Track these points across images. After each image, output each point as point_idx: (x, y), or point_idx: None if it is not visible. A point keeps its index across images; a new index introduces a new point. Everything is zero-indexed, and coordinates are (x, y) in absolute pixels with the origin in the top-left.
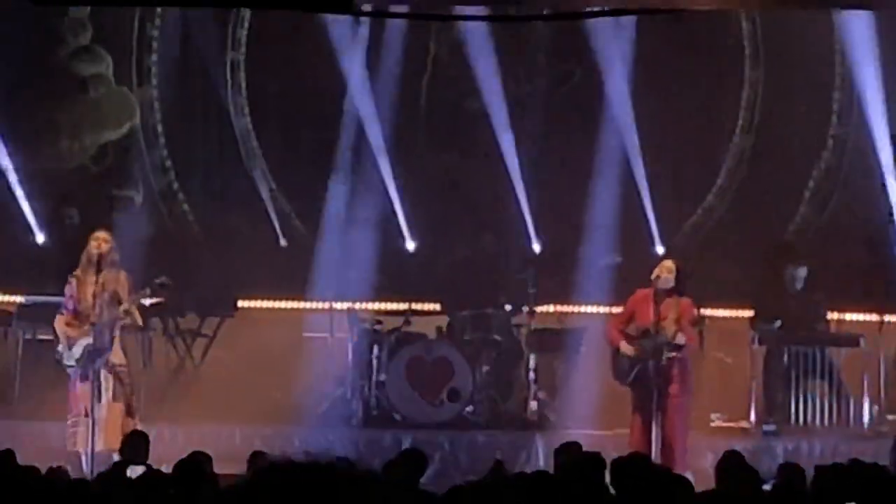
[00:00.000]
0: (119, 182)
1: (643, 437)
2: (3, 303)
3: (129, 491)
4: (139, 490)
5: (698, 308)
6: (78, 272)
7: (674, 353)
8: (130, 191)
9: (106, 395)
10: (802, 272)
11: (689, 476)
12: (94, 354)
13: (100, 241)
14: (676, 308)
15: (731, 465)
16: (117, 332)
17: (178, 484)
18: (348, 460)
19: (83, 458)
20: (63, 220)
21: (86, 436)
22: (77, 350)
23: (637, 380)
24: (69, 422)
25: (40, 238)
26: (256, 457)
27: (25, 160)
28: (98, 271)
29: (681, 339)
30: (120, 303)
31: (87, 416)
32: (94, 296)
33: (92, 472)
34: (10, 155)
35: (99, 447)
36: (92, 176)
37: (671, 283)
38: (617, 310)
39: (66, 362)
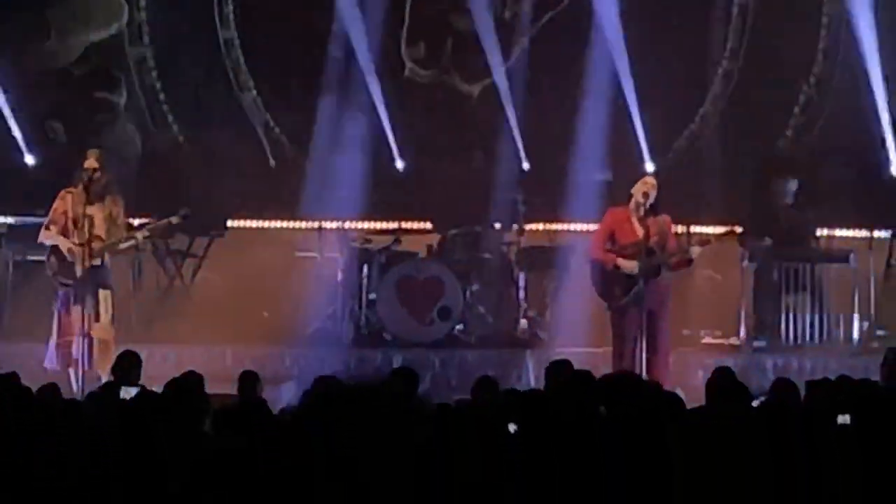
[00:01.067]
0: (102, 85)
1: (631, 356)
2: None
3: (123, 412)
4: (134, 411)
5: (687, 226)
6: (73, 189)
7: (680, 267)
8: (114, 95)
9: (106, 316)
10: (793, 185)
11: (679, 392)
12: (94, 275)
13: (90, 170)
14: (661, 226)
15: (721, 381)
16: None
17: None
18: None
19: (73, 378)
20: (48, 136)
21: (78, 356)
22: (78, 270)
23: (634, 298)
24: (59, 341)
25: (29, 159)
26: (247, 377)
27: (11, 64)
28: (89, 194)
29: (695, 251)
30: (116, 226)
31: (84, 336)
32: (84, 216)
33: (82, 392)
34: None
35: (102, 367)
36: (75, 79)
37: (653, 200)
38: None
39: (62, 281)
